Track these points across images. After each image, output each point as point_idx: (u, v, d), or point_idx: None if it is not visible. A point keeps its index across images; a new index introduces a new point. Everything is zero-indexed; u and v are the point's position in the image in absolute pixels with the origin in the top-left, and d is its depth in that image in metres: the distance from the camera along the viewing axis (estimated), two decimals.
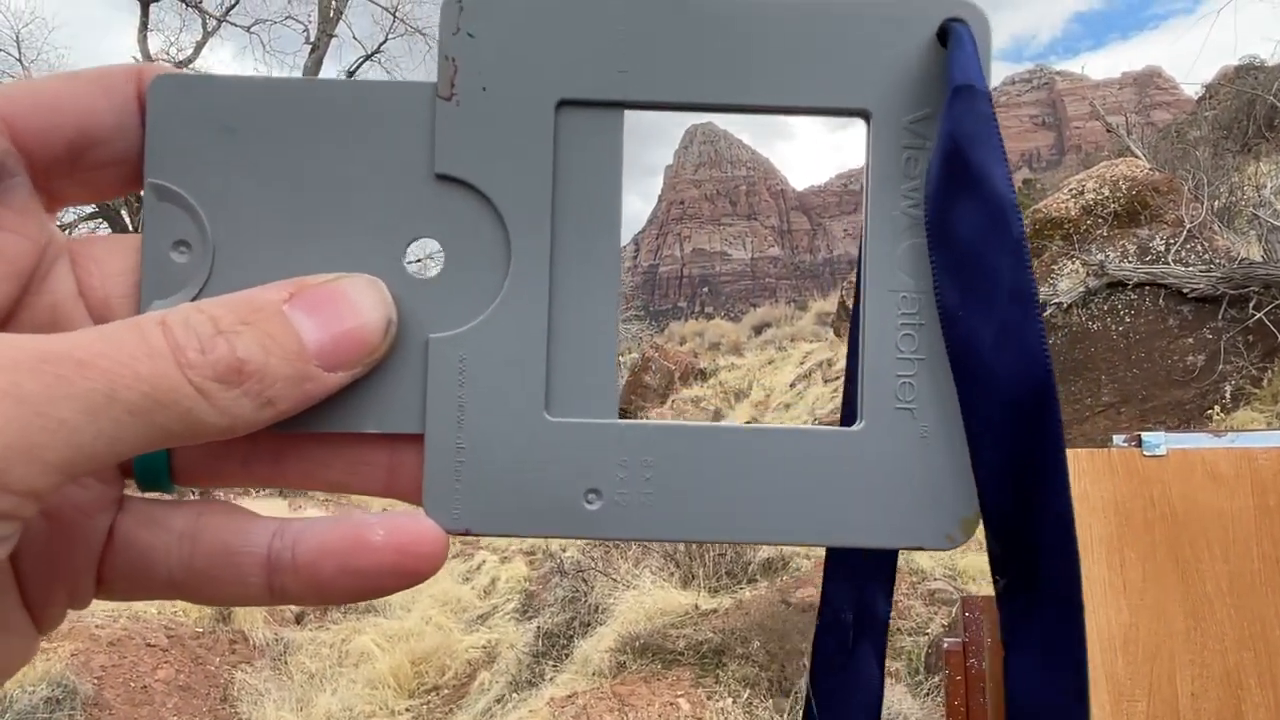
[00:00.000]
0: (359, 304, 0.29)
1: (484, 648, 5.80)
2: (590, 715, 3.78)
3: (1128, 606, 1.23)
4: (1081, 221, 6.44)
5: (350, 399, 0.30)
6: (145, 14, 12.99)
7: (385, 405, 0.30)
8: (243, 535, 0.30)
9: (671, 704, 3.76)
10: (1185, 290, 5.78)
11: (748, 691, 3.79)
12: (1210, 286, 5.68)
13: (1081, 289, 6.11)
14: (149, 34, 13.09)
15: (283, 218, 0.31)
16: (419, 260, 0.32)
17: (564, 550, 6.50)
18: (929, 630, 4.07)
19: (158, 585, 0.30)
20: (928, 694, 3.67)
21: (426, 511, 0.30)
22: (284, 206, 0.31)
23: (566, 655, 4.76)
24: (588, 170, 0.31)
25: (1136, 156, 7.52)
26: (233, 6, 13.95)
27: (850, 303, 11.90)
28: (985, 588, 4.47)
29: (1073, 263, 6.28)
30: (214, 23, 13.84)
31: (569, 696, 4.03)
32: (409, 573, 0.29)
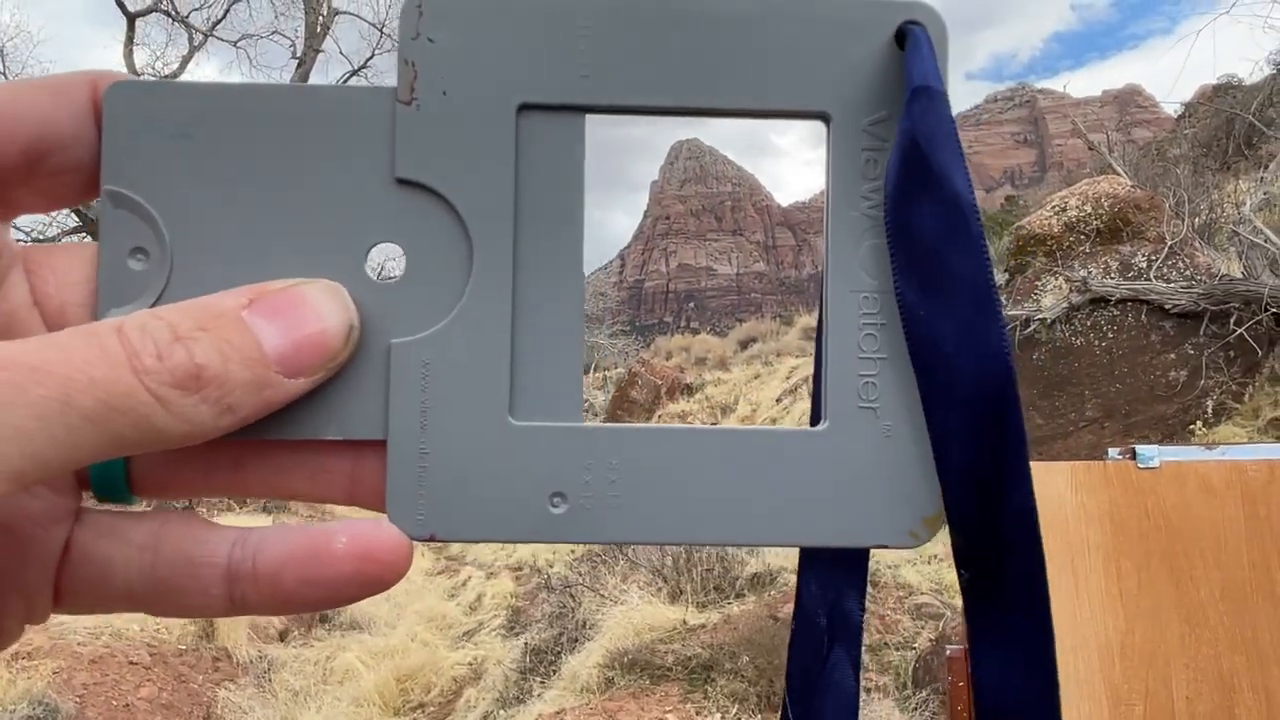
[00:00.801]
0: (320, 309, 0.29)
1: (470, 664, 5.76)
2: None
3: (1124, 613, 1.27)
4: (1065, 238, 6.50)
5: (311, 405, 0.30)
6: (131, 28, 12.96)
7: (347, 411, 0.30)
8: (203, 545, 0.29)
9: (660, 719, 3.75)
10: (1167, 306, 5.84)
11: (736, 706, 3.78)
12: (1192, 302, 5.74)
13: (1065, 305, 6.17)
14: (135, 48, 13.06)
15: (242, 224, 0.31)
16: (380, 265, 0.32)
17: (551, 566, 6.48)
18: (916, 645, 4.08)
19: (117, 597, 0.29)
20: (916, 708, 3.67)
21: (390, 518, 0.30)
22: (243, 212, 0.31)
23: (554, 671, 4.73)
24: (550, 174, 0.31)
25: (1118, 174, 7.61)
26: (219, 21, 13.94)
27: None
28: (960, 598, 4.48)
29: (1056, 279, 6.34)
30: (200, 37, 13.82)
31: (557, 713, 4.01)
32: (372, 580, 0.29)
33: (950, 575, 4.69)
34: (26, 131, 0.29)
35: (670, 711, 3.78)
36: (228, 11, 13.89)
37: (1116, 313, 6.08)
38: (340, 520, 0.30)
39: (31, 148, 0.29)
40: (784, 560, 5.09)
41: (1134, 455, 1.31)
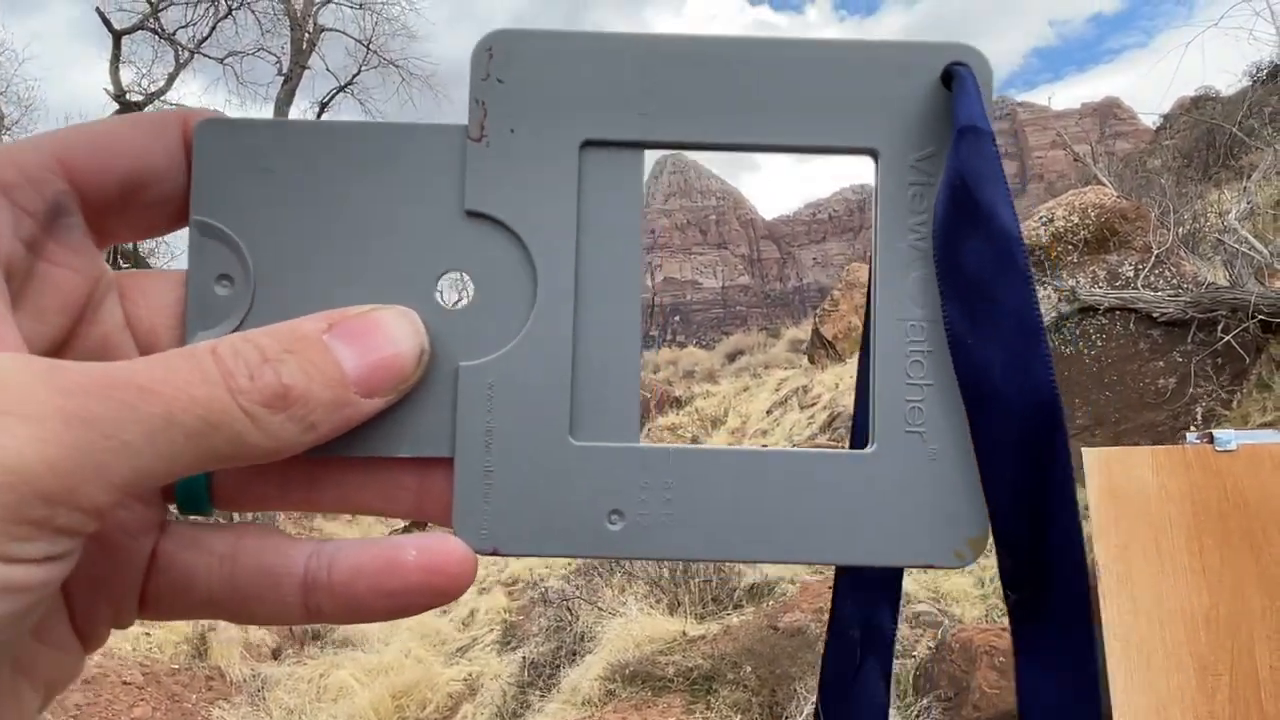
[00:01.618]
0: (394, 334, 0.30)
1: (465, 680, 5.73)
2: None
3: (1207, 588, 1.33)
4: (1052, 248, 6.56)
5: (384, 424, 0.31)
6: (117, 46, 12.94)
7: (417, 430, 0.32)
8: (280, 556, 0.31)
9: None
10: (1155, 315, 5.90)
11: (739, 717, 3.78)
12: (1179, 311, 5.80)
13: (1054, 314, 6.22)
14: (121, 66, 13.02)
15: (320, 252, 0.32)
16: (450, 292, 0.34)
17: (546, 580, 6.45)
18: (915, 653, 4.09)
19: (199, 604, 0.31)
20: (917, 716, 3.68)
21: (456, 532, 0.31)
22: (321, 242, 0.32)
23: (554, 685, 4.72)
24: (610, 206, 0.33)
25: (1103, 184, 7.69)
26: (205, 39, 13.93)
27: (824, 330, 11.99)
28: (969, 610, 4.50)
29: (1044, 289, 6.39)
30: (186, 55, 13.80)
31: None
32: (439, 591, 0.30)
33: (947, 583, 4.71)
34: (124, 166, 0.31)
35: None
36: (214, 29, 13.89)
37: (1105, 321, 6.13)
38: (411, 535, 0.31)
39: (128, 182, 0.31)
40: (781, 570, 5.09)
41: (1211, 439, 1.38)
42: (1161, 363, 5.96)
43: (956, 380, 0.31)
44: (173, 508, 0.32)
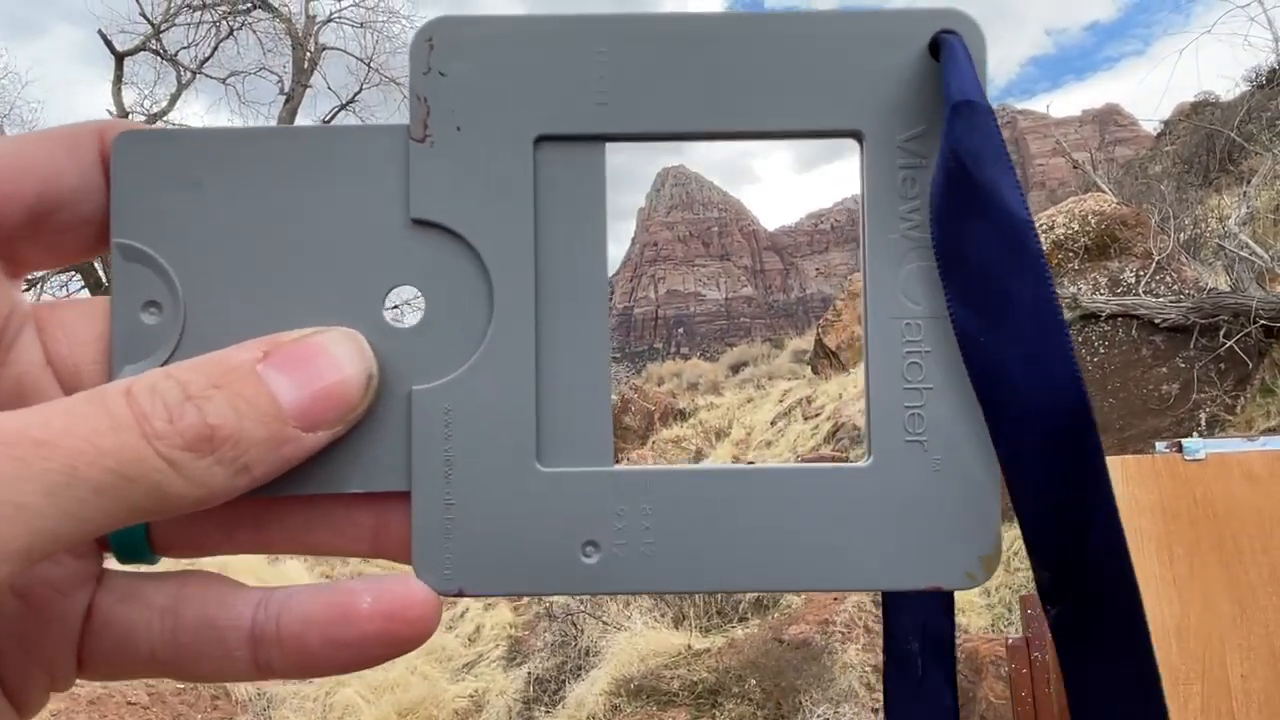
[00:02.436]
0: (337, 359, 0.27)
1: (470, 696, 5.71)
2: None
3: (1178, 598, 1.34)
4: (1053, 255, 6.56)
5: (331, 458, 0.28)
6: (119, 67, 13.02)
7: (368, 463, 0.29)
8: (225, 607, 0.28)
9: None
10: (1157, 321, 5.89)
11: None
12: (1181, 316, 5.79)
13: None
14: (123, 87, 13.11)
15: (256, 272, 0.30)
16: (397, 308, 0.31)
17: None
18: None
19: (140, 663, 0.28)
20: None
21: (416, 573, 0.29)
22: (256, 260, 0.30)
23: (559, 700, 4.70)
24: (570, 207, 0.30)
25: (1104, 191, 7.70)
26: (207, 59, 14.01)
27: (827, 340, 11.98)
28: (975, 620, 4.48)
29: None
30: (188, 75, 13.89)
31: None
32: (399, 640, 0.28)
33: None
34: (31, 186, 0.28)
35: None
36: (216, 49, 13.96)
37: (1107, 328, 6.12)
38: (366, 578, 0.29)
39: (38, 203, 0.28)
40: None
41: (1180, 448, 1.40)
42: (1164, 369, 5.95)
43: (966, 383, 0.28)
44: (112, 557, 0.30)
